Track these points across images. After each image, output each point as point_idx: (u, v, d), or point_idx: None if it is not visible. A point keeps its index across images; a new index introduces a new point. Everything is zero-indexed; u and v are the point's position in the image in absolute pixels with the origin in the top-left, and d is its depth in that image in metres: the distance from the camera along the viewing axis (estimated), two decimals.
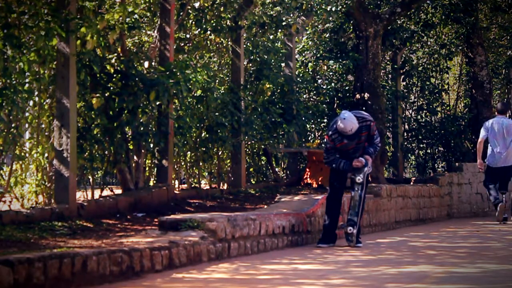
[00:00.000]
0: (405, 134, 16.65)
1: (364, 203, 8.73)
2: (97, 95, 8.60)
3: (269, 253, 7.86)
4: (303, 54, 14.87)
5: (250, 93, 12.20)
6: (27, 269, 4.83)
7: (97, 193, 8.98)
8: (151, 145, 9.47)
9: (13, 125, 7.59)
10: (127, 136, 9.12)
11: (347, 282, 5.78)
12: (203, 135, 11.16)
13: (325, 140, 8.78)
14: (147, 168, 10.01)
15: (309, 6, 12.25)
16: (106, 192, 9.05)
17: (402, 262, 7.03)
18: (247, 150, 12.37)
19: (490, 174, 12.51)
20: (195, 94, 10.74)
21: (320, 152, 12.46)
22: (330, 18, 13.57)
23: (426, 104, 17.04)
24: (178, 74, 9.17)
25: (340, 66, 14.17)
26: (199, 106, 10.93)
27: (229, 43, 11.83)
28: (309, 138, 14.62)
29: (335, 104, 14.75)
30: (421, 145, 17.01)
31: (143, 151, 9.37)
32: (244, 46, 12.06)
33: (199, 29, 11.18)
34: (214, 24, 11.19)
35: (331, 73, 14.87)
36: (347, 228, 8.53)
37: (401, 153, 15.98)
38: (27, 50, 7.42)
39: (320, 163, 12.08)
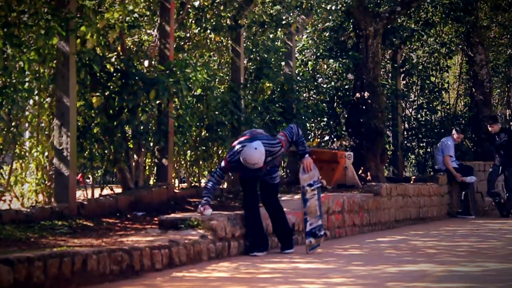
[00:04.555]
0: (405, 132, 16.64)
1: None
2: (97, 94, 8.60)
3: (269, 252, 7.85)
4: (303, 53, 14.86)
5: (250, 92, 12.18)
6: (27, 268, 4.83)
7: (97, 192, 8.98)
8: (151, 144, 9.47)
9: (13, 124, 7.59)
10: (127, 135, 9.11)
11: (347, 281, 5.78)
12: (203, 134, 11.15)
13: (222, 164, 7.53)
14: (147, 167, 10.01)
15: (309, 5, 12.23)
16: (106, 191, 9.05)
17: (402, 261, 7.03)
18: None
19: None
20: (195, 93, 10.73)
21: (321, 151, 12.47)
22: (330, 17, 13.55)
23: (426, 103, 17.04)
24: (178, 73, 9.17)
25: (340, 65, 14.16)
26: (199, 105, 10.91)
27: (229, 42, 11.82)
28: (309, 137, 14.60)
29: (335, 103, 14.74)
30: (421, 144, 16.99)
31: (143, 150, 9.37)
32: (244, 45, 12.05)
33: (199, 28, 11.17)
34: (214, 23, 11.18)
35: (331, 72, 14.86)
36: None
37: (401, 152, 15.97)
38: (27, 49, 7.41)
39: (320, 161, 12.05)
